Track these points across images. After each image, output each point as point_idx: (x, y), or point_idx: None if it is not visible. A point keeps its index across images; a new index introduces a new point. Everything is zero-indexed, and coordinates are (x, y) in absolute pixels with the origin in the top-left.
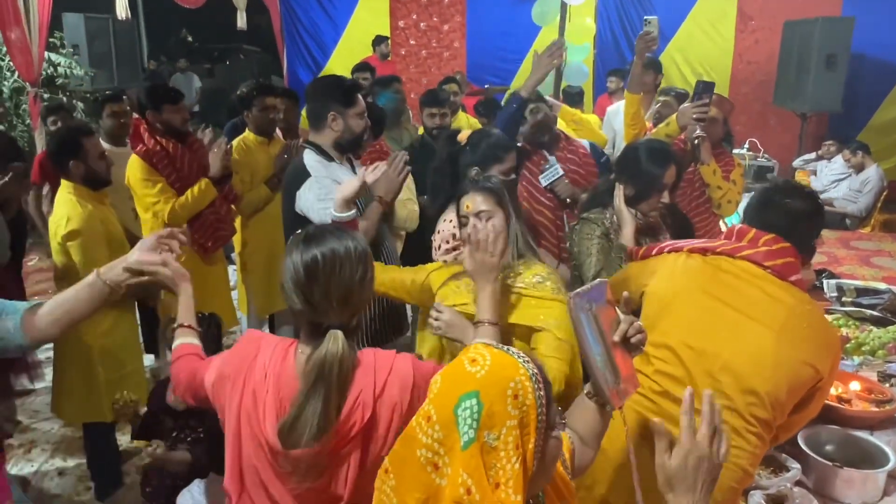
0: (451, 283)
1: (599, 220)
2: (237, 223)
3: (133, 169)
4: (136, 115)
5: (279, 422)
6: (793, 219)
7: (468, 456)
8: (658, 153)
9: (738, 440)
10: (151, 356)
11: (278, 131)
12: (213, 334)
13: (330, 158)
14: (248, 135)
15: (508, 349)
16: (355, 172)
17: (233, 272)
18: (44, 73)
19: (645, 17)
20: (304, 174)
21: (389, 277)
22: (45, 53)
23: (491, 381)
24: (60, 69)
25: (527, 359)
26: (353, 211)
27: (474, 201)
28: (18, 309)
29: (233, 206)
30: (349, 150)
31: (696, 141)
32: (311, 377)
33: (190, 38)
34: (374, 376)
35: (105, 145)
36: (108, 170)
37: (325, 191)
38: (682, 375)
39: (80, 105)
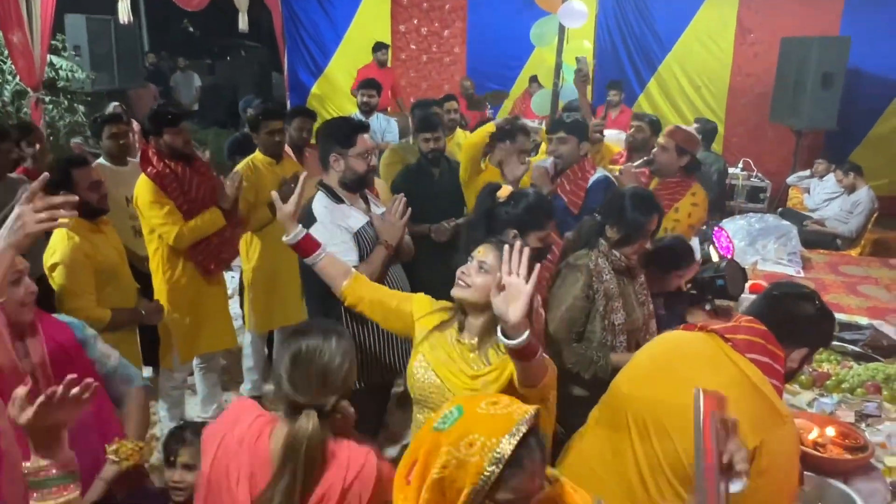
0: (436, 333)
1: (584, 267)
2: (244, 240)
3: (142, 190)
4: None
5: (253, 498)
6: (780, 312)
7: (431, 435)
8: (643, 201)
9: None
10: (150, 368)
11: (289, 149)
12: None
13: (339, 199)
14: (256, 155)
15: (520, 427)
16: (369, 208)
17: (230, 279)
18: (45, 75)
19: (576, 56)
20: (311, 220)
21: (375, 298)
22: (47, 57)
23: (476, 419)
24: (62, 72)
25: (512, 444)
26: (294, 233)
27: (486, 252)
28: (134, 379)
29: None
30: (356, 188)
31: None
32: (282, 455)
33: (191, 29)
34: (345, 472)
35: (106, 163)
36: (103, 200)
37: (329, 236)
38: (612, 413)
39: (81, 108)
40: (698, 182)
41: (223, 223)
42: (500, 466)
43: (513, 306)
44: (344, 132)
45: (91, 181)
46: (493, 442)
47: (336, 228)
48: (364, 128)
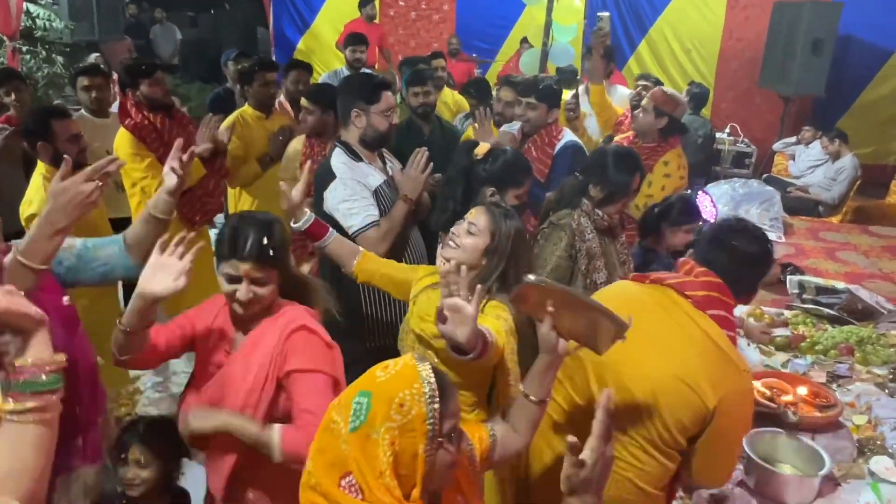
0: (430, 290)
1: (567, 227)
2: (232, 195)
3: (121, 143)
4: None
5: None
6: (736, 261)
7: (352, 438)
8: (626, 160)
9: (619, 451)
10: None
11: (283, 103)
12: None
13: (358, 157)
14: (246, 109)
15: (422, 364)
16: (387, 168)
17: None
18: (22, 24)
19: (598, 14)
20: (330, 176)
21: (385, 273)
22: (24, 4)
23: (387, 386)
24: (39, 21)
25: (430, 378)
26: (304, 219)
27: (477, 215)
28: (118, 237)
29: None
30: (376, 146)
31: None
32: None
33: None
34: None
35: (87, 115)
36: (82, 153)
37: (350, 192)
38: (574, 367)
39: (60, 59)
40: (679, 147)
41: (202, 171)
42: (437, 400)
43: (460, 330)
44: (369, 88)
45: (71, 133)
46: (417, 387)
47: (356, 184)
48: (388, 85)
